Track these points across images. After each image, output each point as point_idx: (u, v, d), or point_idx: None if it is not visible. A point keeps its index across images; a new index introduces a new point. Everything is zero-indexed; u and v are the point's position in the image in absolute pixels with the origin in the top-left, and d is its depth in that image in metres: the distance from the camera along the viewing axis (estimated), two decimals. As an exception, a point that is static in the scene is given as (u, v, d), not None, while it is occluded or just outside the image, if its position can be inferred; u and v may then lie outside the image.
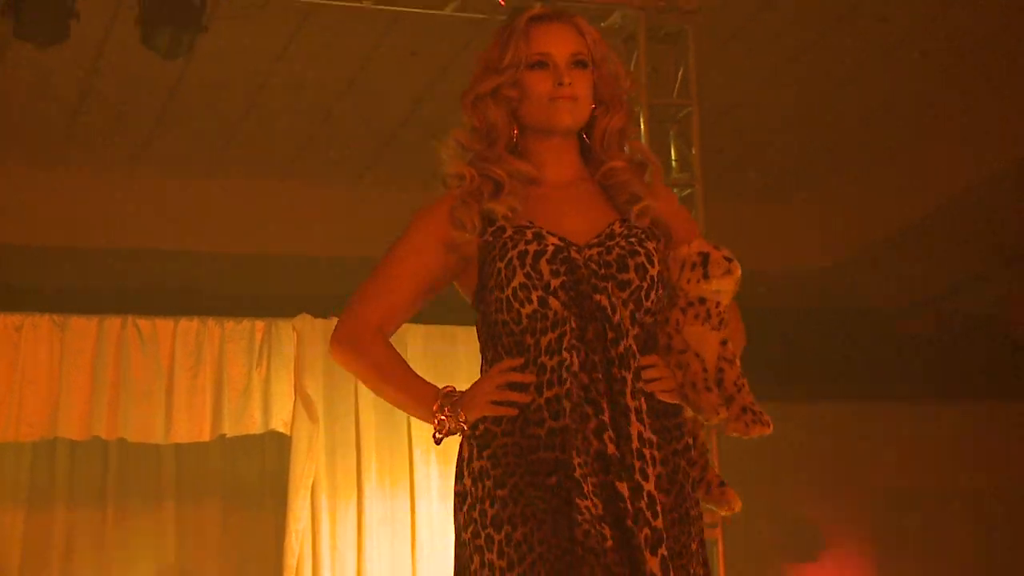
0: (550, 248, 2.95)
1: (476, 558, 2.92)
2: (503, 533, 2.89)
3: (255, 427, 8.18)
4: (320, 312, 8.20)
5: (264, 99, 9.51)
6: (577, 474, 2.85)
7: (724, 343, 3.01)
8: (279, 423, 8.16)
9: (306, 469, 8.10)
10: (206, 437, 8.12)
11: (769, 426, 2.98)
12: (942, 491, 11.72)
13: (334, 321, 8.18)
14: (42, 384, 7.76)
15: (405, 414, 8.19)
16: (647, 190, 3.07)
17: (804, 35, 9.35)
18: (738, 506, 3.09)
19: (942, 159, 11.31)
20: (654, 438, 2.90)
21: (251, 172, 10.22)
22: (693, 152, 8.31)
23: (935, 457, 11.76)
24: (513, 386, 2.94)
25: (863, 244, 12.20)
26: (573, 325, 2.91)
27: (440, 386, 3.03)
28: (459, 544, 3.01)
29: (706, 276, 2.95)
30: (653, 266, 2.97)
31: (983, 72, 9.90)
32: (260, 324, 8.19)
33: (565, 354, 2.91)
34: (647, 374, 2.95)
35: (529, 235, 2.97)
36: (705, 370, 2.97)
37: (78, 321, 7.86)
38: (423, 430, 8.27)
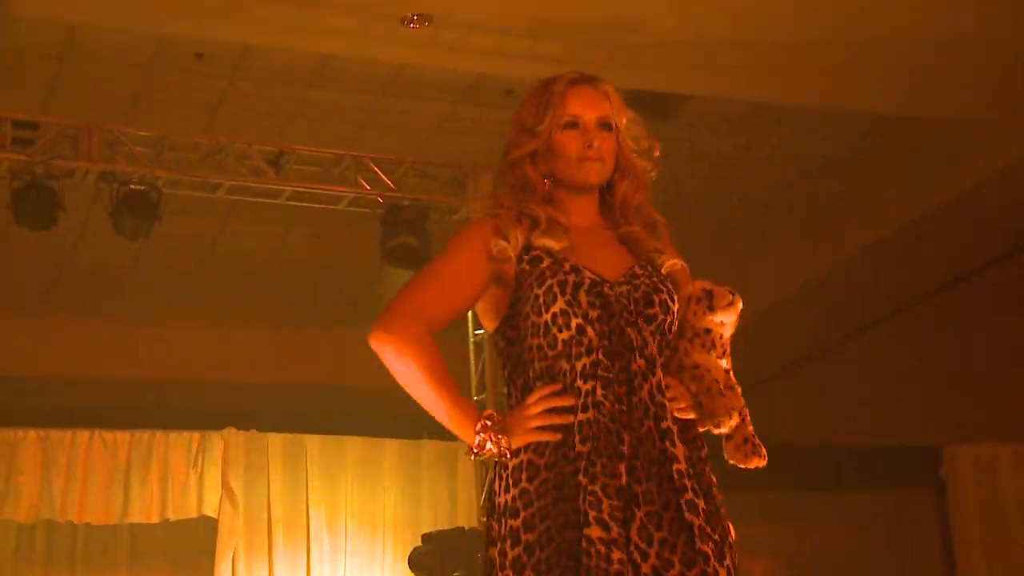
0: (587, 281, 2.47)
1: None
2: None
3: (191, 512, 8.17)
4: (242, 426, 8.32)
5: (201, 269, 9.59)
6: (600, 495, 2.34)
7: (728, 372, 2.58)
8: (209, 509, 8.15)
9: (229, 543, 8.13)
10: (155, 519, 8.10)
11: (765, 459, 2.55)
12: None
13: (254, 433, 8.42)
14: (27, 478, 7.75)
15: (304, 497, 8.47)
16: (666, 247, 2.63)
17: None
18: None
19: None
20: (686, 451, 2.45)
21: (193, 322, 10.21)
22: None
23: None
24: (554, 411, 2.43)
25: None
26: (601, 356, 2.42)
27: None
28: (487, 563, 2.46)
29: (711, 308, 2.55)
30: (674, 303, 2.54)
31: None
32: (196, 435, 8.19)
33: (598, 381, 2.42)
34: (669, 393, 2.49)
35: (567, 267, 2.48)
36: (717, 380, 2.53)
37: (57, 433, 7.87)
38: (318, 509, 8.42)
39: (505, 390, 2.58)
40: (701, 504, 2.38)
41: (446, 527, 8.09)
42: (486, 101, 7.85)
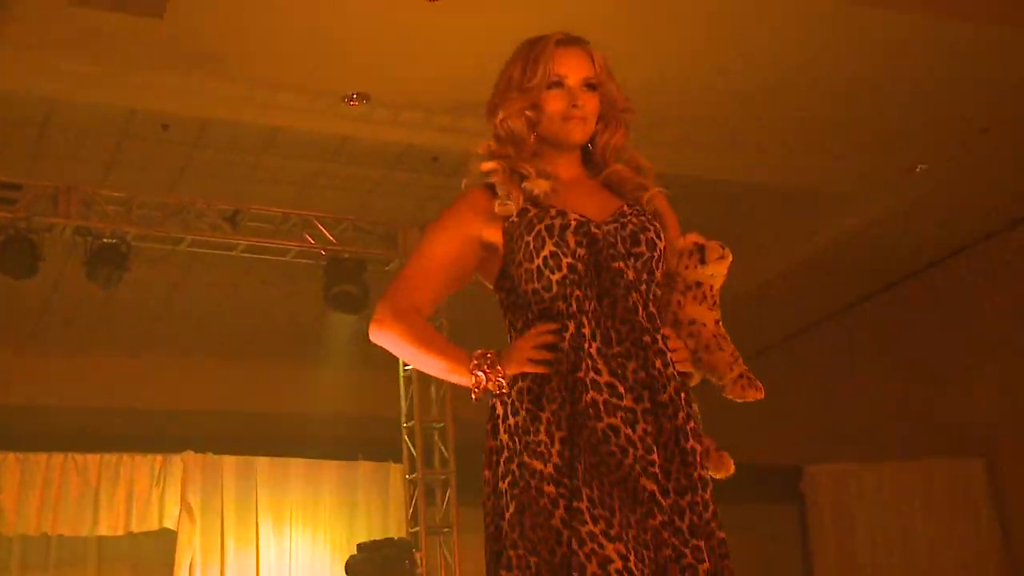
0: (573, 222, 2.26)
1: (513, 505, 2.15)
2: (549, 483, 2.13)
3: (153, 525, 8.09)
4: (200, 449, 8.28)
5: (164, 311, 9.57)
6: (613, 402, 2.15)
7: (718, 322, 2.36)
8: (170, 522, 8.08)
9: (186, 553, 8.06)
10: (120, 532, 8.03)
11: (761, 391, 2.33)
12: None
13: (210, 455, 8.41)
14: (6, 496, 7.67)
15: (254, 511, 8.45)
16: (650, 184, 2.41)
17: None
18: (732, 470, 2.34)
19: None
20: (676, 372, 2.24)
21: (157, 357, 10.15)
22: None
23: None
24: (548, 347, 2.22)
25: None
26: (590, 293, 2.22)
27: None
28: (495, 494, 2.21)
29: (703, 261, 2.33)
30: (661, 240, 2.31)
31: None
32: (159, 457, 8.12)
33: (586, 308, 2.21)
34: (669, 343, 2.26)
35: (553, 212, 2.28)
36: (714, 335, 2.33)
37: (34, 456, 7.80)
38: (266, 522, 8.40)
39: (509, 337, 2.34)
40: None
41: (379, 537, 8.08)
42: (415, 168, 7.88)
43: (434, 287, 2.36)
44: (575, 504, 2.08)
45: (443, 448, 8.02)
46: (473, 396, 2.26)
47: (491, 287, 2.39)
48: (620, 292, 2.23)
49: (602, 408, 2.15)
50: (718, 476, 2.29)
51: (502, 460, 2.21)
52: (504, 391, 2.23)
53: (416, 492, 7.99)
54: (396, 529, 8.29)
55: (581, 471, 2.11)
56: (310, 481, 8.63)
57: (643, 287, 2.26)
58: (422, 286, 2.35)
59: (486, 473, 2.25)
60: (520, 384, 2.22)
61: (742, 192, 8.31)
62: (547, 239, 2.25)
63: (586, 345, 2.19)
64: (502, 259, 2.33)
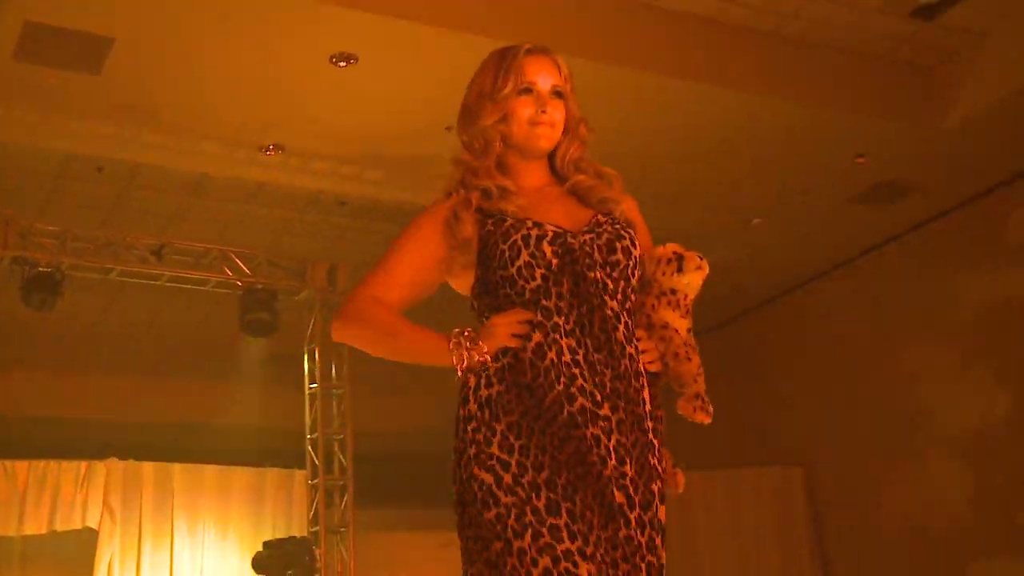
0: (550, 232, 2.05)
1: (481, 474, 1.94)
2: (509, 453, 1.94)
3: (77, 524, 7.95)
4: (122, 456, 8.17)
5: (94, 332, 9.39)
6: (587, 404, 1.94)
7: (689, 331, 2.15)
8: (92, 522, 7.95)
9: (106, 550, 7.95)
10: (43, 530, 7.87)
11: (710, 417, 2.11)
12: None
13: (131, 462, 8.28)
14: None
15: (170, 513, 8.32)
16: (619, 194, 2.19)
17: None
18: (682, 488, 2.14)
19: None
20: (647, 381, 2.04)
21: (86, 373, 9.90)
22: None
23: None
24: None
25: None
26: (562, 305, 2.01)
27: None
28: (464, 460, 1.99)
29: (680, 270, 2.12)
30: (636, 248, 2.10)
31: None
32: (84, 464, 8.00)
33: (558, 319, 2.00)
34: (640, 345, 2.06)
35: (530, 223, 2.06)
36: (685, 343, 2.12)
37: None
38: (180, 523, 8.27)
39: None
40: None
41: (283, 536, 8.06)
42: (323, 210, 7.90)
43: (402, 288, 2.10)
44: (551, 521, 1.88)
45: (342, 457, 8.06)
46: (459, 373, 2.02)
47: (466, 294, 2.15)
48: (597, 302, 2.01)
49: (578, 417, 1.93)
50: (668, 493, 2.08)
51: (470, 428, 1.99)
52: (489, 366, 2.00)
53: (317, 496, 8.01)
54: (298, 529, 8.26)
55: (560, 485, 1.90)
56: (222, 486, 8.56)
57: (620, 296, 2.05)
58: (388, 288, 2.10)
59: (458, 439, 2.02)
60: (504, 360, 2.00)
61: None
62: (523, 249, 2.04)
63: (566, 355, 1.98)
64: (477, 267, 2.10)
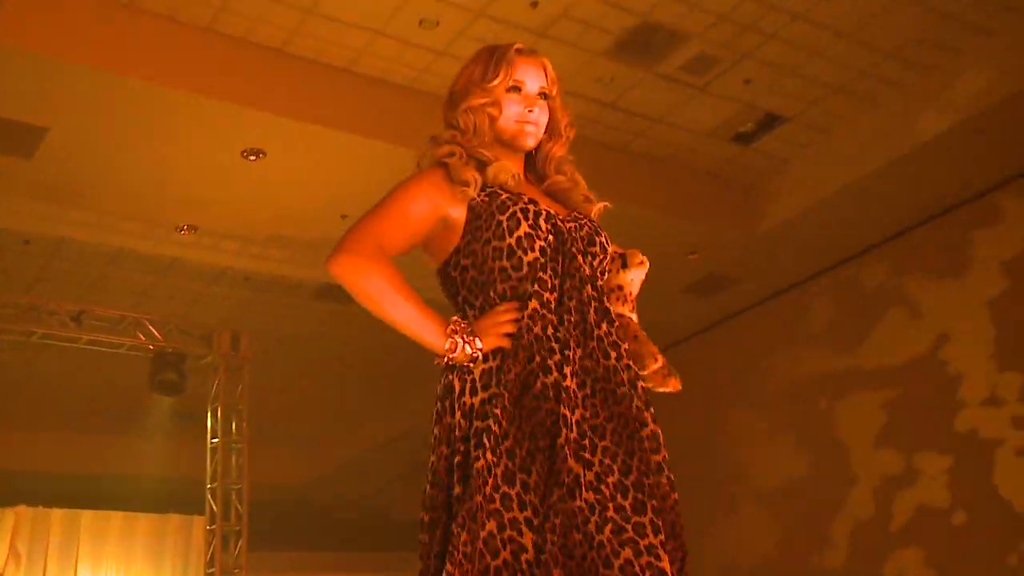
0: (544, 211, 1.87)
1: (459, 486, 1.71)
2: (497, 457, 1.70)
3: (-19, 570, 7.54)
4: (31, 503, 7.77)
5: (14, 390, 9.01)
6: (568, 383, 1.75)
7: (636, 324, 1.99)
8: (-2, 567, 7.56)
9: (12, 593, 7.58)
10: (-49, 575, 7.41)
11: (680, 382, 1.95)
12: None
13: (40, 508, 7.92)
14: None
15: (74, 558, 7.94)
16: (594, 199, 2.03)
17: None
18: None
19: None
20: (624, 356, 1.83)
21: (5, 426, 9.56)
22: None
23: None
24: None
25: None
26: (555, 281, 1.83)
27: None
28: (442, 457, 1.77)
29: (625, 266, 1.98)
30: (609, 245, 1.95)
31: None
32: (-6, 510, 7.61)
33: (551, 290, 1.83)
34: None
35: (526, 198, 1.88)
36: (639, 329, 1.97)
37: None
38: (85, 566, 7.85)
39: (460, 314, 1.86)
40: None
41: (181, 578, 7.87)
42: (230, 284, 7.89)
43: (397, 240, 1.84)
44: (504, 489, 1.67)
45: (239, 505, 7.92)
46: (437, 361, 1.81)
47: (437, 265, 1.92)
48: (578, 284, 1.85)
49: (551, 390, 1.75)
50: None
51: (456, 435, 1.76)
52: (475, 362, 1.78)
53: (214, 540, 7.82)
54: (195, 572, 8.02)
55: (520, 455, 1.70)
56: (126, 532, 8.22)
57: (597, 283, 1.90)
58: (389, 233, 1.83)
59: (435, 447, 1.79)
60: (493, 362, 1.78)
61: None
62: (522, 220, 1.84)
63: (549, 329, 1.79)
64: (460, 237, 1.87)
